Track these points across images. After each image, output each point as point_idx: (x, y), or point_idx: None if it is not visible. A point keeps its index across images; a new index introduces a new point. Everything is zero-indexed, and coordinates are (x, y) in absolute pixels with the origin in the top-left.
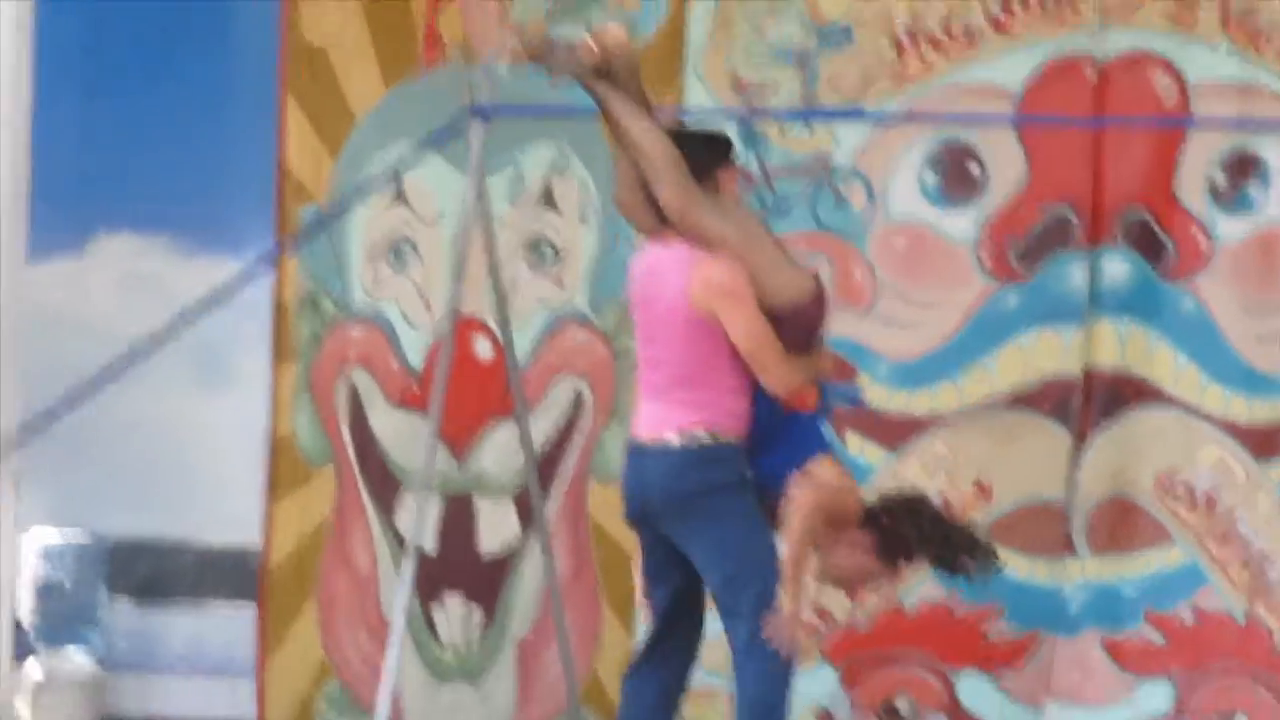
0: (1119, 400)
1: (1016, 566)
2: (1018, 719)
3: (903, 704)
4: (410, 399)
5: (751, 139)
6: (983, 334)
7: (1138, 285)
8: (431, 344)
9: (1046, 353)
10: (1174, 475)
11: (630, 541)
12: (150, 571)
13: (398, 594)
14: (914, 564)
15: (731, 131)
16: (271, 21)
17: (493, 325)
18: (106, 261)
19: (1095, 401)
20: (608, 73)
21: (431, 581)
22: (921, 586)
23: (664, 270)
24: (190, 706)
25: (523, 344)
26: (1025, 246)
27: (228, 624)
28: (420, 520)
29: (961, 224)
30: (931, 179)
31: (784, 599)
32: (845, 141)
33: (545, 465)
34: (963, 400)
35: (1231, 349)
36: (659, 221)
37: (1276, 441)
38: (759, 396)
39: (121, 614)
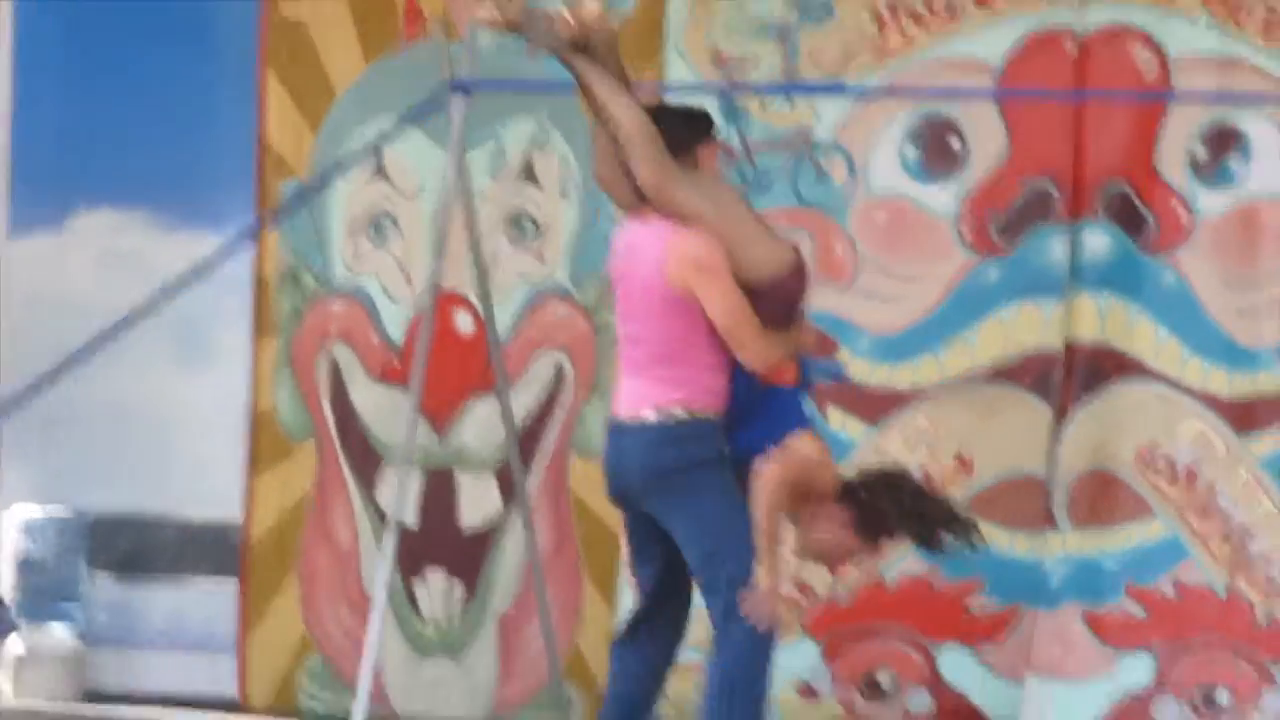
0: (1100, 374)
1: (997, 540)
2: (999, 692)
3: (884, 677)
4: (391, 374)
5: (732, 113)
6: (964, 308)
7: (1118, 259)
8: (412, 318)
9: (1027, 326)
10: (1155, 449)
11: (612, 516)
12: (131, 547)
13: (379, 569)
14: (894, 540)
15: (712, 106)
16: None
17: (473, 300)
18: (86, 238)
19: (1076, 375)
20: (585, 47)
21: (413, 556)
22: (902, 561)
23: (642, 246)
24: (171, 682)
25: (503, 319)
26: (1006, 220)
27: (209, 599)
28: (401, 495)
29: (942, 198)
30: (912, 153)
31: (760, 573)
32: (826, 116)
33: (526, 440)
34: (944, 374)
35: (1212, 322)
36: (639, 198)
37: (1257, 415)
38: (738, 372)
39: (102, 589)
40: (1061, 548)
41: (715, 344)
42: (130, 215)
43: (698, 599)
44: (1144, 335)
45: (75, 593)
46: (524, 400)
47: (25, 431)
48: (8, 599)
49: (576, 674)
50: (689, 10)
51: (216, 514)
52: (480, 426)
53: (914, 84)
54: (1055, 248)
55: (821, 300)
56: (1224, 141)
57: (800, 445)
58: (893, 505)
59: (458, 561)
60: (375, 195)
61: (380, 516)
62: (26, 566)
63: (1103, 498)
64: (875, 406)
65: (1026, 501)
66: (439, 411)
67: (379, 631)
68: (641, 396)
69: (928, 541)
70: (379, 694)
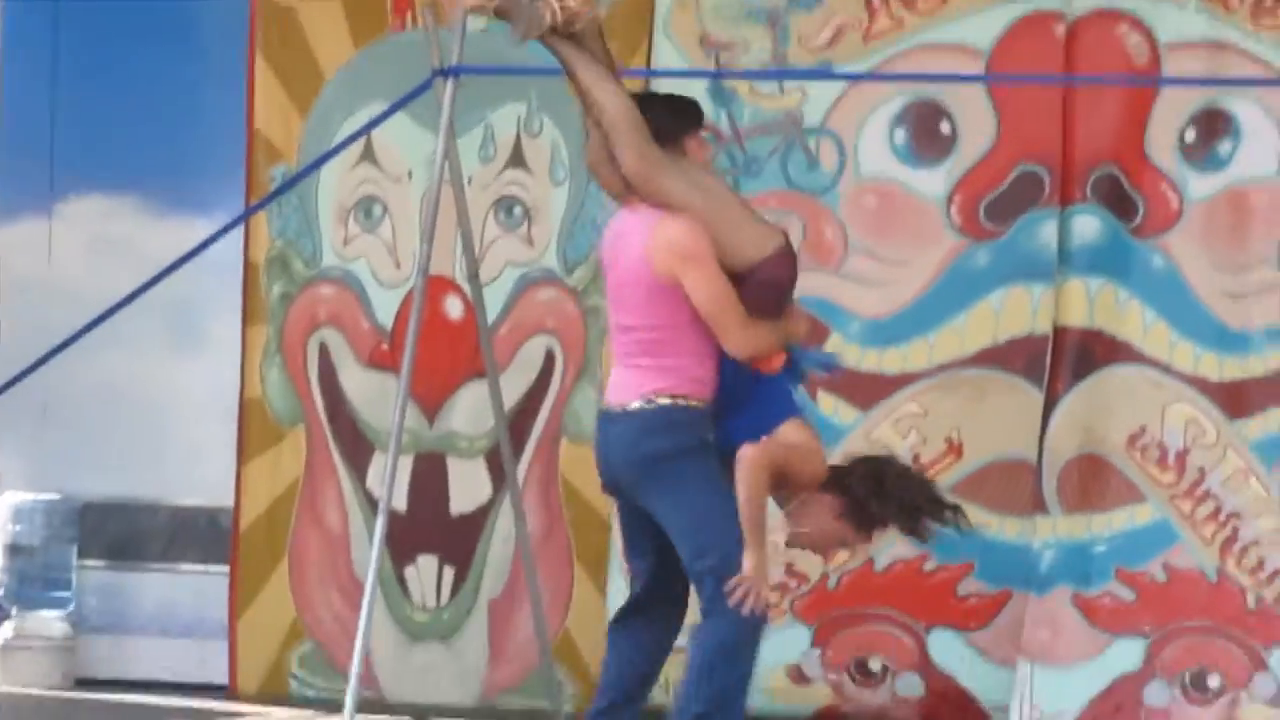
0: (1090, 358)
1: (987, 524)
2: (989, 676)
3: (874, 662)
4: (381, 358)
5: (722, 97)
6: (953, 292)
7: (1108, 243)
8: (402, 303)
9: (1017, 311)
10: (1145, 433)
11: (602, 500)
12: (122, 533)
13: (370, 554)
14: (884, 528)
15: (702, 90)
16: None
17: (463, 284)
18: (76, 223)
19: (1066, 359)
20: (571, 33)
21: (403, 541)
22: (892, 545)
23: (628, 234)
24: (162, 668)
25: (493, 303)
26: (995, 204)
27: (199, 585)
28: (391, 480)
29: (932, 182)
30: (902, 137)
31: (747, 559)
32: (816, 100)
33: (516, 424)
34: (933, 358)
35: (1202, 306)
36: (628, 186)
37: (1247, 398)
38: (726, 360)
39: (93, 575)
40: (1052, 532)
41: (702, 331)
42: (120, 201)
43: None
44: (1134, 319)
45: (66, 579)
46: (514, 385)
47: (16, 417)
48: None
49: (566, 658)
50: None
51: (207, 500)
52: (470, 411)
53: (903, 68)
54: (1045, 232)
55: (811, 284)
56: (1213, 125)
57: (787, 432)
58: (881, 495)
59: (448, 546)
60: (364, 180)
61: (370, 502)
62: (17, 552)
63: (1093, 482)
64: (866, 391)
65: (1017, 485)
66: (429, 396)
67: (369, 617)
68: (629, 385)
69: (916, 530)
70: (370, 679)
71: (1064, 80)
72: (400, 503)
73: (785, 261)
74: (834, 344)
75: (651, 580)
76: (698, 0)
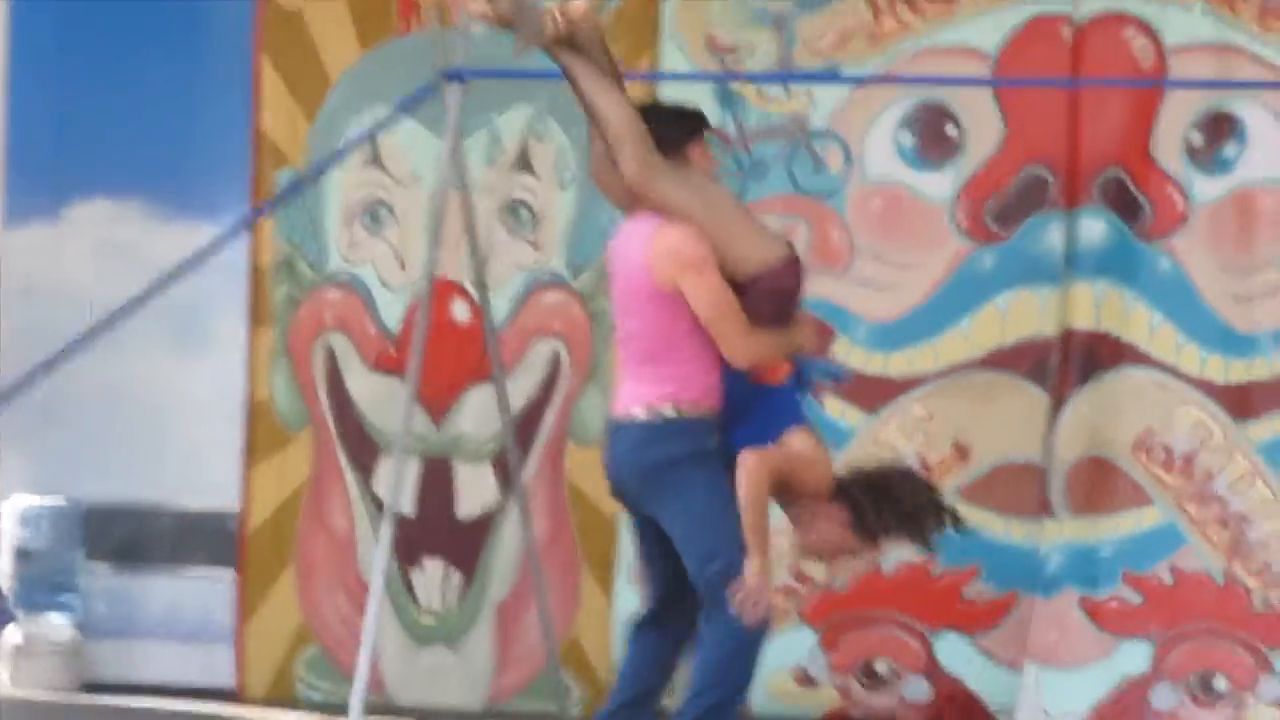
0: (1096, 361)
1: (994, 527)
2: (996, 679)
3: (881, 665)
4: (387, 362)
5: (728, 101)
6: (960, 295)
7: (1115, 246)
8: (409, 307)
9: (1023, 313)
10: (1152, 436)
11: (609, 504)
12: (128, 537)
13: (376, 557)
14: (891, 539)
15: (708, 93)
16: None
17: (470, 288)
18: (82, 228)
19: (1072, 362)
20: (574, 42)
21: (410, 545)
22: (899, 549)
23: (630, 243)
24: (169, 671)
25: (500, 307)
26: (1002, 207)
27: (206, 589)
28: (398, 484)
29: (938, 185)
30: (908, 140)
31: (750, 567)
32: (822, 103)
33: (523, 428)
34: (940, 361)
35: (1209, 309)
36: (632, 195)
37: (1254, 401)
38: (730, 369)
39: (100, 579)
40: (1058, 535)
41: (705, 340)
42: (126, 205)
43: None
44: (1140, 322)
45: (72, 583)
46: (521, 388)
47: (22, 422)
48: (5, 589)
49: (573, 662)
50: None
51: (213, 504)
52: (477, 415)
53: (910, 71)
54: (1051, 235)
55: (818, 288)
56: (1220, 128)
57: (792, 441)
58: (887, 506)
59: (455, 550)
60: (371, 184)
61: (377, 505)
62: (23, 556)
63: (1100, 484)
64: (872, 394)
65: (1023, 488)
66: (436, 400)
67: (376, 620)
68: (633, 395)
69: (921, 538)
70: (376, 683)
71: (1070, 83)
72: (407, 506)
73: (790, 271)
74: (840, 347)
75: (667, 589)
76: (704, 4)
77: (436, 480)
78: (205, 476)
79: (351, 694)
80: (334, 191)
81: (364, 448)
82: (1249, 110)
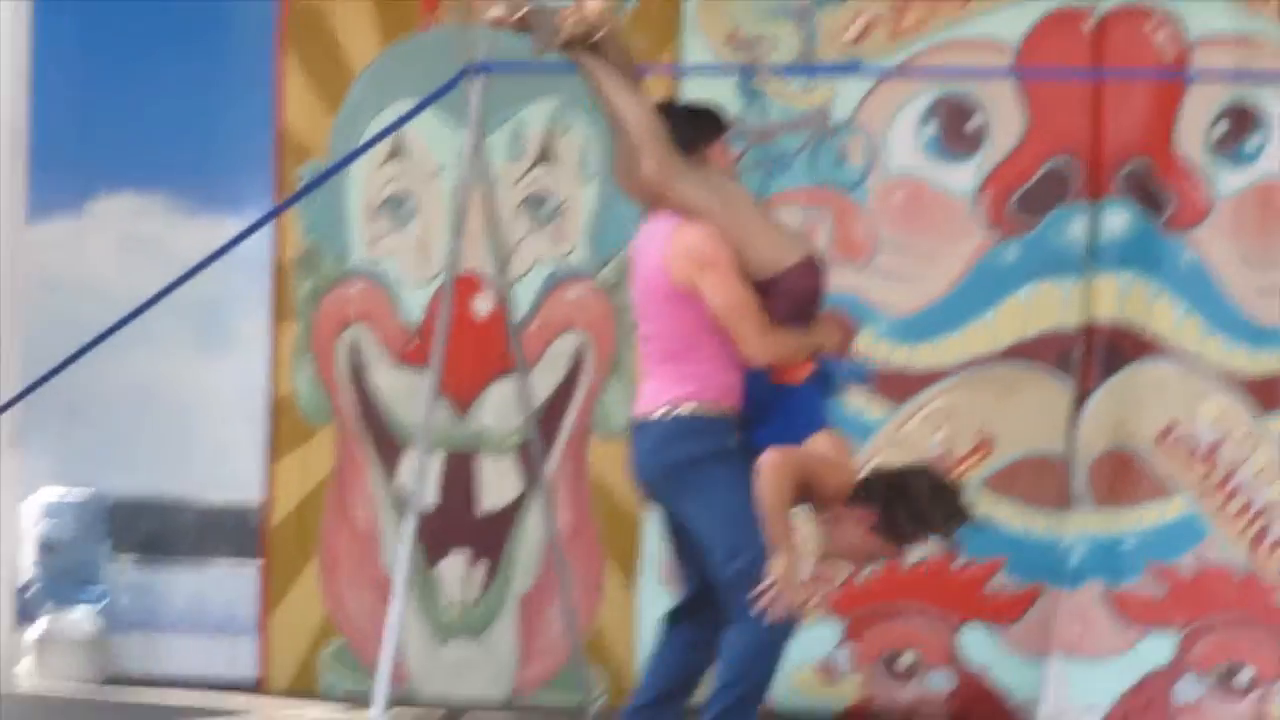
0: (1119, 353)
1: (1017, 520)
2: (1019, 671)
3: (905, 657)
4: (410, 356)
5: (750, 94)
6: (983, 287)
7: (1138, 237)
8: (431, 300)
9: (1046, 306)
10: (1175, 428)
11: (632, 497)
12: (153, 530)
13: (399, 551)
14: (915, 542)
15: (730, 86)
16: None
17: (493, 281)
18: (106, 222)
19: (1096, 354)
20: (591, 44)
21: (434, 538)
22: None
23: (650, 243)
24: (193, 665)
25: (523, 300)
26: (1024, 199)
27: (230, 582)
28: (421, 477)
29: (961, 177)
30: (931, 133)
31: (775, 564)
32: (845, 96)
33: (546, 421)
34: (963, 354)
35: (1232, 301)
36: (654, 196)
37: (1278, 393)
38: (752, 369)
39: (124, 573)
40: (1082, 527)
41: (724, 338)
42: (150, 199)
43: None
44: (1164, 314)
45: (97, 576)
46: (544, 381)
47: (47, 416)
48: (30, 584)
49: (597, 654)
50: None
51: (237, 497)
52: (500, 408)
53: (932, 64)
54: (1074, 227)
55: (840, 280)
56: (1243, 120)
57: (814, 443)
58: (910, 511)
59: (478, 543)
60: (393, 178)
61: (400, 499)
62: (49, 549)
63: (1123, 476)
64: (895, 387)
65: (1047, 481)
66: (459, 393)
67: (400, 614)
68: (654, 394)
69: (945, 538)
70: (400, 675)
71: (1093, 75)
72: (430, 499)
73: (811, 272)
74: (863, 340)
75: (699, 585)
76: None
77: (460, 473)
78: (229, 470)
79: (375, 686)
80: (356, 185)
81: (387, 441)
82: (1272, 102)
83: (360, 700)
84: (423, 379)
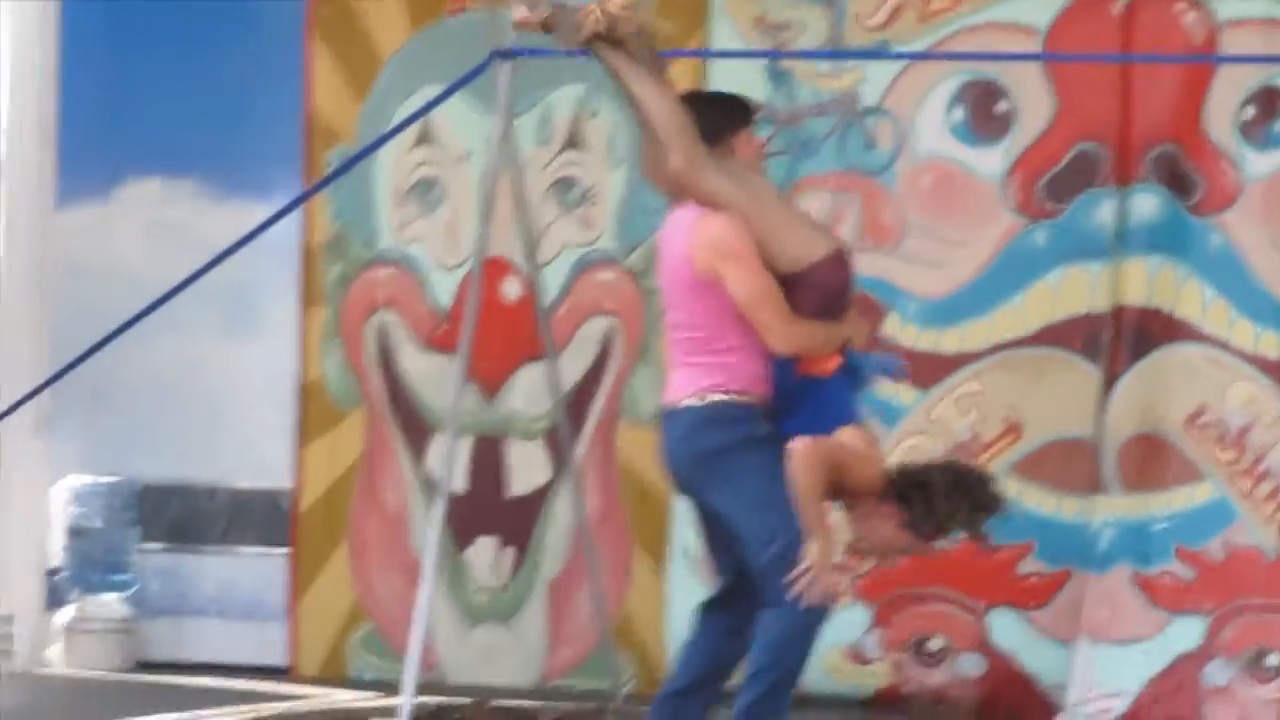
0: (1148, 337)
1: (1046, 504)
2: (1049, 655)
3: (934, 641)
4: (439, 340)
5: (779, 78)
6: (1011, 271)
7: (1167, 221)
8: (460, 285)
9: (1075, 290)
10: (1204, 411)
11: (661, 481)
12: (181, 516)
13: (428, 535)
14: (945, 536)
15: (759, 71)
16: None
17: (522, 266)
18: (134, 208)
19: (1125, 338)
20: (613, 38)
21: (463, 523)
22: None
23: (675, 234)
24: (222, 650)
25: (552, 285)
26: (1053, 183)
27: (259, 568)
28: (450, 462)
29: (990, 161)
30: (959, 117)
31: (810, 550)
32: (873, 80)
33: (575, 405)
34: (992, 338)
35: (1261, 285)
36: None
37: None
38: (780, 361)
39: (153, 559)
40: (1111, 511)
41: (750, 329)
42: (178, 185)
43: None
44: (1193, 297)
45: (126, 562)
46: (573, 366)
47: (75, 402)
48: (60, 569)
49: (626, 639)
50: None
51: (266, 482)
52: (529, 393)
53: (960, 47)
54: (1103, 211)
55: (869, 265)
56: (1272, 103)
57: (843, 435)
58: (939, 507)
59: (507, 528)
60: (422, 162)
61: (430, 483)
62: (78, 535)
63: (1152, 460)
64: (925, 371)
65: (1076, 465)
66: (488, 378)
67: (429, 598)
68: (683, 384)
69: (973, 532)
70: (429, 661)
71: (1122, 58)
72: (460, 484)
73: (837, 266)
74: (892, 324)
75: (735, 573)
76: None
77: (488, 458)
78: (258, 455)
79: (404, 671)
80: (385, 170)
81: (416, 426)
82: None
83: (389, 685)
84: (451, 364)
